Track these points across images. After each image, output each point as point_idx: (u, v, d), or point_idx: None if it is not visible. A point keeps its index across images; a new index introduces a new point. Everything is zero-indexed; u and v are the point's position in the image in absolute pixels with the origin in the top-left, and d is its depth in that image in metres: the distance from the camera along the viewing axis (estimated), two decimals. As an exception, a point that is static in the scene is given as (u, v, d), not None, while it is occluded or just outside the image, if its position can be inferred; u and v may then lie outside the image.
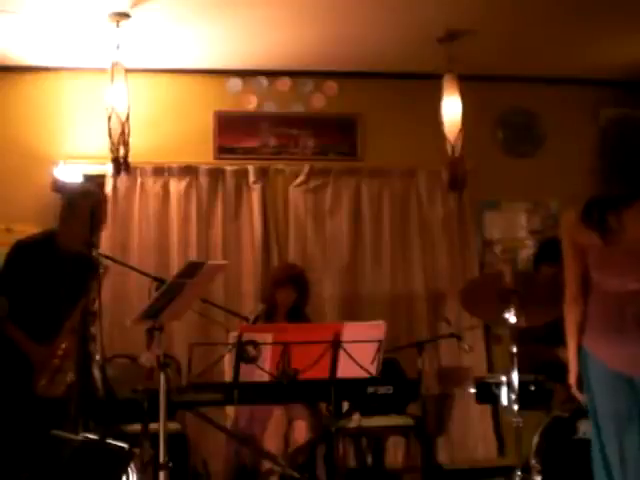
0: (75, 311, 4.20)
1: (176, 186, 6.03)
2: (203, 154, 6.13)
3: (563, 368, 5.06)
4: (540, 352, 5.13)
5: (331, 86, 6.33)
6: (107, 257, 4.52)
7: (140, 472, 3.86)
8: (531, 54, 5.93)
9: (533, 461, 4.38)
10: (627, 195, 3.12)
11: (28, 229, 4.81)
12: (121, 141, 5.25)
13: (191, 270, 3.82)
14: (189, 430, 5.43)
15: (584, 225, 3.15)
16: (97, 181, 5.81)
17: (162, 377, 3.73)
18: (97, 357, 4.19)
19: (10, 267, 4.34)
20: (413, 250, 6.26)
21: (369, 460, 5.76)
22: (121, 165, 5.28)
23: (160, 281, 4.00)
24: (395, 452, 5.96)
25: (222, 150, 6.18)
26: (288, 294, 5.21)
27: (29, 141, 5.89)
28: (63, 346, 4.15)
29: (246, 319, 4.99)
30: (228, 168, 6.11)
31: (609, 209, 3.10)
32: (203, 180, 6.06)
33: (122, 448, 3.79)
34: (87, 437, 3.81)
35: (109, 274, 4.56)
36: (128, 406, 4.24)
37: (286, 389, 3.93)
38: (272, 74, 6.23)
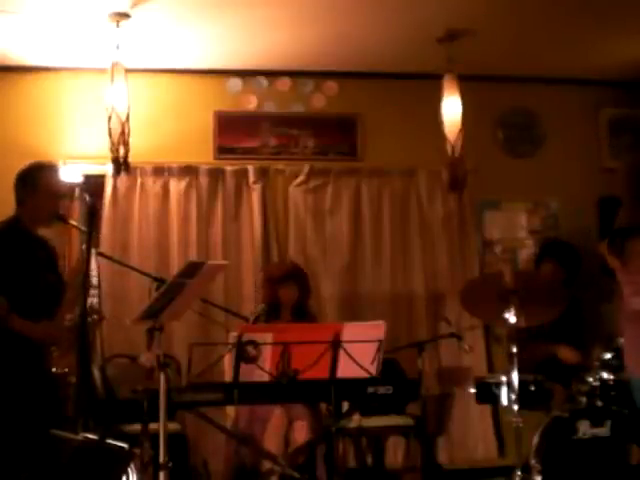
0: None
1: (176, 186, 6.02)
2: (203, 154, 6.13)
3: (562, 367, 5.10)
4: (539, 350, 5.14)
5: (331, 86, 6.33)
6: (107, 257, 4.52)
7: (140, 472, 3.85)
8: (531, 54, 5.93)
9: (533, 461, 4.38)
10: None
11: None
12: (121, 141, 5.25)
13: (191, 270, 3.81)
14: (189, 430, 5.44)
15: (609, 251, 3.33)
16: (97, 181, 5.84)
17: (162, 377, 3.72)
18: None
19: None
20: (413, 250, 6.25)
21: (369, 460, 5.75)
22: (121, 165, 5.28)
23: (160, 281, 4.00)
24: (395, 452, 5.96)
25: (222, 150, 6.18)
26: (291, 291, 5.18)
27: (29, 141, 5.88)
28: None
29: (246, 319, 4.99)
30: (228, 168, 6.11)
31: (630, 236, 3.25)
32: (203, 180, 6.06)
33: (122, 448, 3.79)
34: (87, 437, 3.80)
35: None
36: (128, 406, 4.24)
37: (286, 389, 3.93)
38: (272, 74, 6.23)
